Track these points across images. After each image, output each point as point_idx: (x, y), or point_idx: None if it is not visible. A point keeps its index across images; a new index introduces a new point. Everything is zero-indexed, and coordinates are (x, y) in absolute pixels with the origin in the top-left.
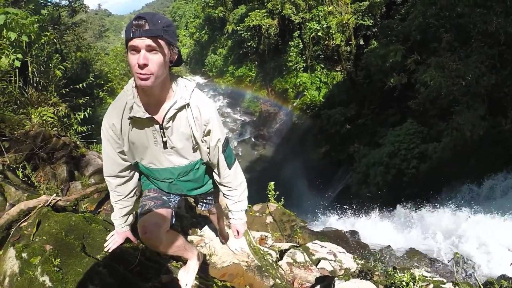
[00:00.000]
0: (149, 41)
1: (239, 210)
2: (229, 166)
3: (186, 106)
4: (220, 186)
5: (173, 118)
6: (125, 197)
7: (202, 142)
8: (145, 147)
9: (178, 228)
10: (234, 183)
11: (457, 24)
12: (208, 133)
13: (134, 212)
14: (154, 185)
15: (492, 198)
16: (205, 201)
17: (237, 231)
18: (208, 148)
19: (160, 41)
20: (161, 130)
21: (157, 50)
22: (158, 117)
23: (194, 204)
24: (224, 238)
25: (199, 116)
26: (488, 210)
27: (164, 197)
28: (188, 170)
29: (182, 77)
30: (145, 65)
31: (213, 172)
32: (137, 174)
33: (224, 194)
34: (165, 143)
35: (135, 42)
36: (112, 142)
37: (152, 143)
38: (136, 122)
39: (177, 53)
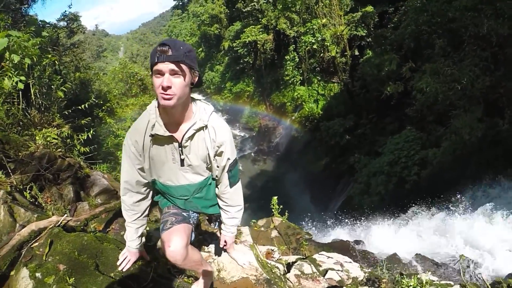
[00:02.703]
0: (172, 66)
1: (231, 225)
2: (231, 185)
3: (204, 127)
4: (218, 199)
5: (191, 138)
6: (141, 215)
7: (213, 160)
8: (163, 164)
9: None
10: (230, 201)
11: (449, 29)
12: (220, 154)
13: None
14: (170, 202)
15: (495, 200)
16: (219, 220)
17: (225, 242)
18: (217, 166)
19: (182, 65)
20: (180, 148)
21: (179, 74)
22: (178, 136)
23: (203, 221)
24: (232, 254)
25: (215, 137)
26: (491, 211)
27: (184, 213)
28: (202, 187)
29: (201, 100)
30: (169, 87)
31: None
32: (151, 193)
33: (220, 206)
34: (182, 161)
35: (160, 66)
36: (133, 159)
37: (170, 160)
38: (157, 140)
39: (197, 76)
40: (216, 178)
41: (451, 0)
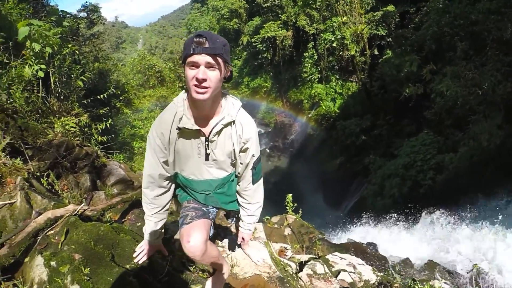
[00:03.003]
0: (209, 58)
1: (250, 222)
2: (253, 182)
3: (232, 123)
4: (238, 196)
5: (219, 133)
6: (161, 209)
7: (238, 156)
8: (188, 158)
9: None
10: (251, 199)
11: (472, 32)
12: (245, 150)
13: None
14: (191, 197)
15: (510, 210)
16: (237, 216)
17: (243, 238)
18: (241, 163)
19: (218, 58)
20: (206, 143)
21: (215, 67)
22: (205, 130)
23: (219, 215)
24: (245, 250)
25: (242, 133)
26: (507, 222)
27: (204, 208)
28: (225, 183)
29: (230, 95)
30: (204, 80)
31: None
32: (173, 187)
33: (239, 203)
34: (207, 155)
35: (195, 58)
36: (157, 151)
37: (196, 154)
38: (184, 133)
39: (230, 71)
40: (239, 175)
41: (474, 2)
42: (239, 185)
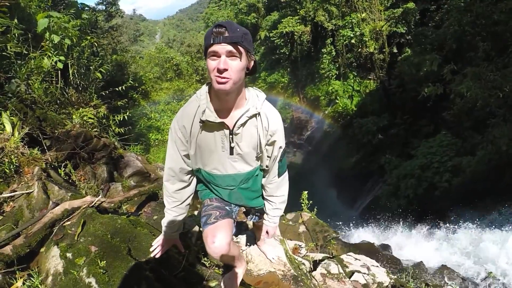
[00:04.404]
0: (229, 47)
1: (275, 215)
2: (279, 174)
3: (257, 115)
4: (263, 189)
5: (243, 125)
6: (181, 203)
7: (264, 149)
8: (211, 152)
9: None
10: (276, 191)
11: (494, 32)
12: (272, 143)
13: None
14: (214, 193)
15: None
16: (257, 213)
17: (267, 232)
18: (268, 156)
19: (239, 47)
20: (230, 136)
21: (236, 56)
22: (229, 122)
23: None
24: (261, 246)
25: (268, 126)
26: None
27: (227, 207)
28: (249, 177)
29: (254, 87)
30: (225, 70)
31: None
32: (194, 181)
33: (264, 196)
34: (232, 149)
35: (216, 48)
36: (179, 144)
37: (220, 148)
38: (207, 126)
39: (253, 61)
40: (266, 168)
41: (496, 1)
42: (265, 178)
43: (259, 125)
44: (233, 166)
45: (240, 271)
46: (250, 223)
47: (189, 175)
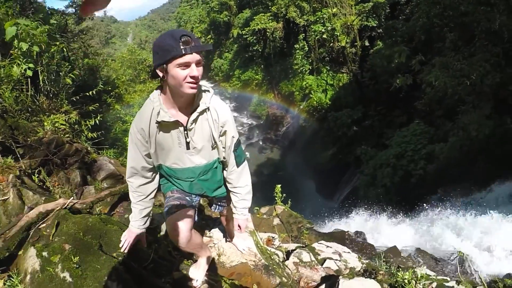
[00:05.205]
0: (198, 57)
1: (243, 207)
2: (238, 164)
3: (207, 109)
4: (227, 182)
5: (195, 120)
6: (145, 197)
7: (219, 141)
8: (169, 148)
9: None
10: (238, 181)
11: (461, 23)
12: (224, 133)
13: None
14: (176, 186)
15: (499, 200)
16: (219, 203)
17: (239, 226)
18: (223, 147)
19: (201, 55)
20: (185, 132)
21: (201, 63)
22: (182, 119)
23: (206, 206)
24: (232, 239)
25: (218, 118)
26: (494, 211)
27: (187, 198)
28: (208, 170)
29: (202, 85)
30: (198, 77)
31: (224, 170)
32: (157, 177)
33: (230, 190)
34: (188, 144)
35: (187, 58)
36: (139, 146)
37: (177, 144)
38: (163, 126)
39: None
40: (224, 160)
41: None
42: (226, 171)
43: (210, 118)
44: (190, 160)
45: (204, 260)
46: (219, 216)
47: (151, 172)
